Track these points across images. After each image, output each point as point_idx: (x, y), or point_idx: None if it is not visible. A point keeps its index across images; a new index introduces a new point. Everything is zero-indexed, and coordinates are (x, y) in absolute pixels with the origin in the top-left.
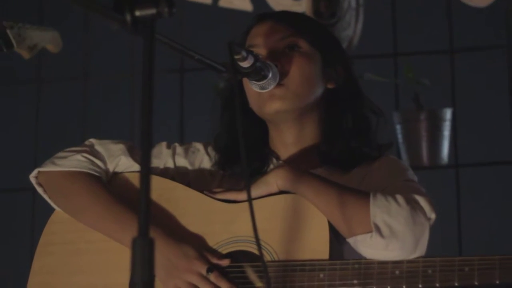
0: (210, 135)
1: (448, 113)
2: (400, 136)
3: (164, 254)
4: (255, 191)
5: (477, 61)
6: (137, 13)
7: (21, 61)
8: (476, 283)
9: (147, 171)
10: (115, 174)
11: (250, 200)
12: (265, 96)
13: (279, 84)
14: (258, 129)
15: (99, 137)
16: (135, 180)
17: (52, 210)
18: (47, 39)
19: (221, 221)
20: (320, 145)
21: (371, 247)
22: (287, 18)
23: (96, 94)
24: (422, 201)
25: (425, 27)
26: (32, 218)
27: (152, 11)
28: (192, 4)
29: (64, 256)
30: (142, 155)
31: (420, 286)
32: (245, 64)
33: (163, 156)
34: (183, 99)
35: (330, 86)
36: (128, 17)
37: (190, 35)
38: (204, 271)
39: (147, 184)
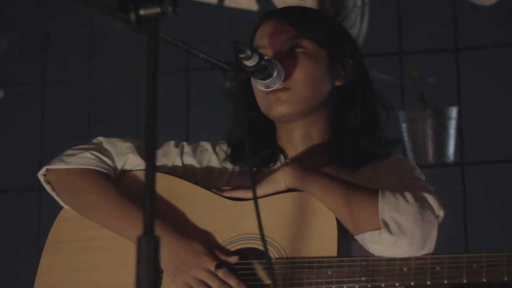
0: (216, 133)
1: (453, 112)
2: (405, 135)
3: (173, 250)
4: (263, 189)
5: (482, 59)
6: (142, 12)
7: (26, 63)
8: (484, 279)
9: (152, 171)
10: (124, 172)
11: (255, 197)
12: (271, 99)
13: (284, 88)
14: (267, 126)
15: (105, 137)
16: (144, 178)
17: (58, 209)
18: None
19: (229, 218)
20: (329, 144)
21: (379, 244)
22: (292, 16)
23: (101, 94)
24: (430, 198)
25: (430, 25)
26: (38, 218)
27: (156, 10)
28: (197, 3)
29: (72, 253)
30: (147, 156)
31: (428, 283)
32: (250, 63)
33: (171, 155)
34: (189, 99)
35: (338, 83)
36: (133, 16)
37: (195, 34)
38: (212, 267)
39: (152, 182)
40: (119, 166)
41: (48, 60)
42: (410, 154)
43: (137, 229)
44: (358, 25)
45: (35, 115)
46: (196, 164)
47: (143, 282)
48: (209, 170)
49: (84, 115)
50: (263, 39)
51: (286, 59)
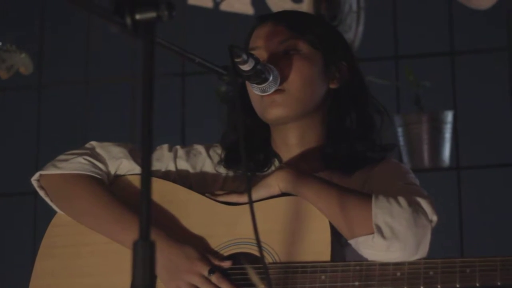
0: (211, 137)
1: (449, 116)
2: (401, 139)
3: (166, 255)
4: (257, 194)
5: (478, 63)
6: (137, 16)
7: None
8: (477, 284)
9: (147, 176)
10: (117, 177)
11: (251, 202)
12: (266, 102)
13: (279, 90)
14: (262, 129)
15: (101, 141)
16: (137, 182)
17: (53, 213)
18: (21, 62)
19: (223, 223)
20: (324, 148)
21: (373, 248)
22: (287, 19)
23: (97, 98)
24: (424, 203)
25: (426, 29)
26: (34, 222)
27: (152, 14)
28: (193, 7)
29: (66, 258)
30: (143, 160)
31: (421, 287)
32: (246, 67)
33: (165, 159)
34: (185, 103)
35: (333, 86)
36: (129, 21)
37: (191, 38)
38: (206, 272)
39: (148, 187)
40: (112, 171)
41: (44, 64)
42: (405, 158)
43: (131, 234)
44: (353, 30)
45: (31, 118)
46: (189, 168)
47: (139, 287)
48: (202, 174)
49: (81, 119)
50: (258, 41)
51: (281, 61)
